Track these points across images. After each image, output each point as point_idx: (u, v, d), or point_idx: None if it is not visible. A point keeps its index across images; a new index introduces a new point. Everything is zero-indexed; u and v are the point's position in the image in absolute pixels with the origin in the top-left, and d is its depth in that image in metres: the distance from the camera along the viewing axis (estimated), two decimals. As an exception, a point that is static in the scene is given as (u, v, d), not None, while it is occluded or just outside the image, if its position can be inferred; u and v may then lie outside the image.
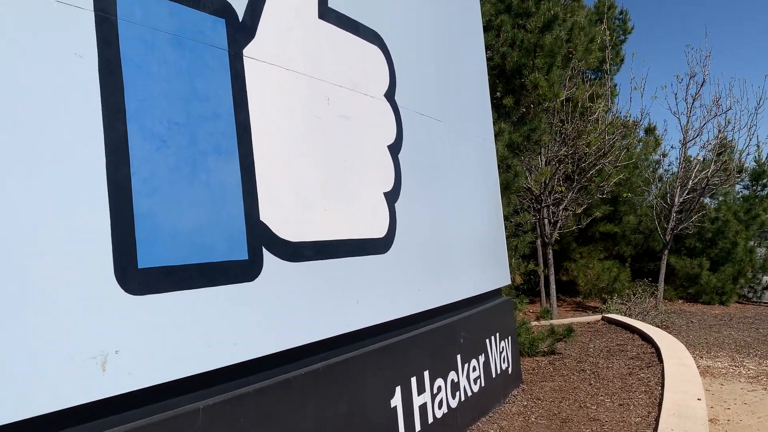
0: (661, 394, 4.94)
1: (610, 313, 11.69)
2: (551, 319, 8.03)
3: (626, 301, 12.71)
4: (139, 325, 2.08)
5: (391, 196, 3.73)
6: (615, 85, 18.80)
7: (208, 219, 2.41)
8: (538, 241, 14.12)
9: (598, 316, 10.11)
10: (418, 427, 3.67)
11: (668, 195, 16.06)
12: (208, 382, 2.36)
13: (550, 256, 11.59)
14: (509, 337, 5.53)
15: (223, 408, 2.35)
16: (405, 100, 4.01)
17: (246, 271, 2.58)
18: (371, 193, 3.54)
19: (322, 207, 3.10)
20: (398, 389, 3.51)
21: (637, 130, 18.14)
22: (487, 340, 4.93)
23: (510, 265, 11.11)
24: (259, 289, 2.64)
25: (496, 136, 8.06)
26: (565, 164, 11.18)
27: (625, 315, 11.50)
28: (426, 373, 3.84)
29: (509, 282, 5.80)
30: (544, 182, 10.94)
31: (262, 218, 2.70)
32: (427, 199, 4.16)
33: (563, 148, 10.86)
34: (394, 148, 3.83)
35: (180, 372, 2.21)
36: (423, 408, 3.75)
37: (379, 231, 3.57)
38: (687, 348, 8.17)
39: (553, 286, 11.69)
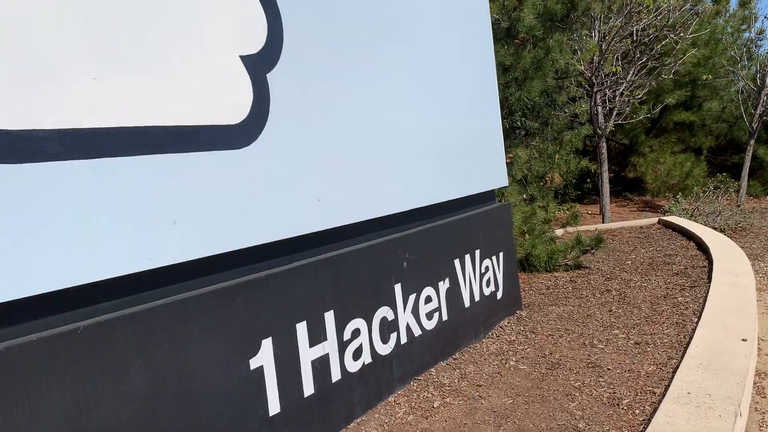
0: (694, 330, 3.66)
1: (674, 214, 10.10)
2: (576, 225, 6.69)
3: (695, 199, 10.99)
4: None
5: (260, 62, 2.51)
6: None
7: None
8: (606, 132, 12.40)
9: (656, 219, 8.61)
10: (310, 389, 2.62)
11: (758, 76, 13.71)
12: None
13: (604, 151, 9.97)
14: (499, 254, 4.32)
15: None
16: None
17: None
18: (214, 54, 2.33)
19: (87, 73, 1.93)
20: (267, 342, 2.44)
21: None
22: (457, 261, 3.74)
23: (552, 161, 9.66)
24: None
25: (519, 1, 6.48)
26: (621, 38, 9.30)
27: (691, 217, 9.90)
28: (328, 315, 2.74)
29: (503, 183, 4.51)
30: (595, 62, 9.17)
31: None
32: (339, 71, 2.90)
33: (619, 18, 8.95)
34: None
35: None
36: (321, 362, 2.69)
37: (230, 114, 2.38)
38: (756, 259, 6.72)
39: (605, 185, 10.15)
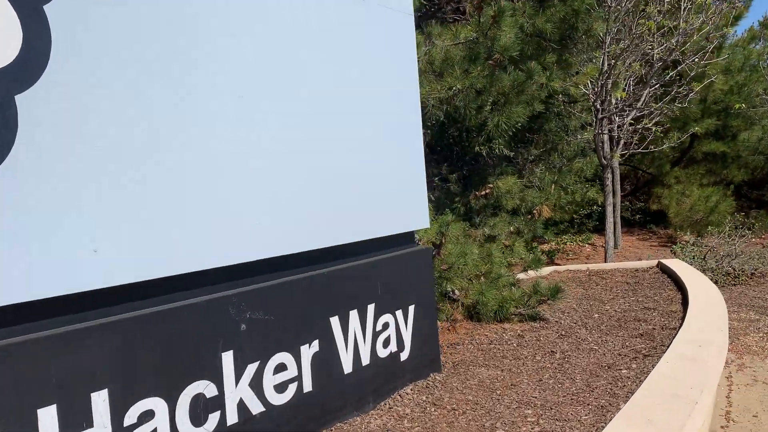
0: (611, 419, 2.98)
1: (685, 255, 9.23)
2: (537, 269, 5.94)
3: (715, 237, 10.04)
4: None
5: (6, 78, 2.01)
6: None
7: None
8: (613, 163, 11.58)
9: (656, 261, 7.79)
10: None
11: (797, 106, 12.65)
12: None
13: (609, 182, 9.18)
14: (408, 307, 3.71)
15: None
16: None
17: None
18: None
19: None
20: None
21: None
22: (335, 318, 3.16)
23: (548, 192, 8.93)
24: None
25: (494, 18, 5.90)
26: (632, 61, 8.54)
27: (704, 259, 9.02)
28: (97, 395, 2.20)
29: (422, 225, 3.90)
30: (598, 86, 8.43)
31: None
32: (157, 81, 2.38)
33: (626, 41, 8.20)
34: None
35: None
36: (82, 455, 2.15)
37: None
38: (765, 314, 5.95)
39: (609, 219, 9.35)
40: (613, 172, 11.72)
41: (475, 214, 8.29)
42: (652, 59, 8.45)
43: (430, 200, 7.63)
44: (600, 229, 14.04)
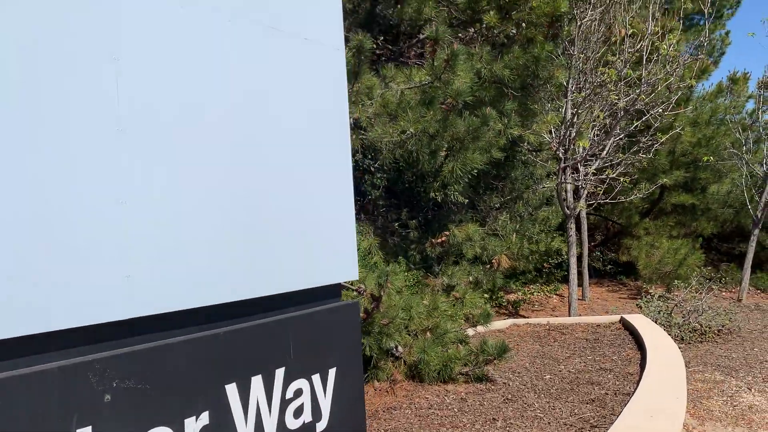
0: None
1: (648, 311, 8.94)
2: (486, 324, 5.56)
3: (685, 290, 9.79)
4: None
5: None
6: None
7: None
8: (580, 213, 11.40)
9: (619, 317, 7.48)
10: None
11: (765, 161, 12.61)
12: None
13: (572, 233, 8.93)
14: (328, 370, 3.32)
15: None
16: None
17: None
18: None
19: None
20: None
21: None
22: (231, 386, 2.76)
23: (509, 240, 8.65)
24: None
25: (447, 62, 5.70)
26: (595, 110, 8.39)
27: (670, 314, 8.73)
28: None
29: (350, 277, 3.54)
30: (561, 135, 8.25)
31: None
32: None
33: (586, 90, 8.06)
34: None
35: None
36: None
37: None
38: (729, 375, 5.63)
39: (573, 271, 9.06)
40: (580, 223, 11.53)
41: (435, 262, 7.97)
42: (617, 108, 8.32)
43: (383, 247, 7.31)
44: (566, 279, 13.82)
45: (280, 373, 3.06)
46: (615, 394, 4.34)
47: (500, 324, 7.61)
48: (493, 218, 9.34)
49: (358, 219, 7.61)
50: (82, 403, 2.26)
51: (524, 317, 9.39)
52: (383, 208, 7.92)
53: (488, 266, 7.36)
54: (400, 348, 4.88)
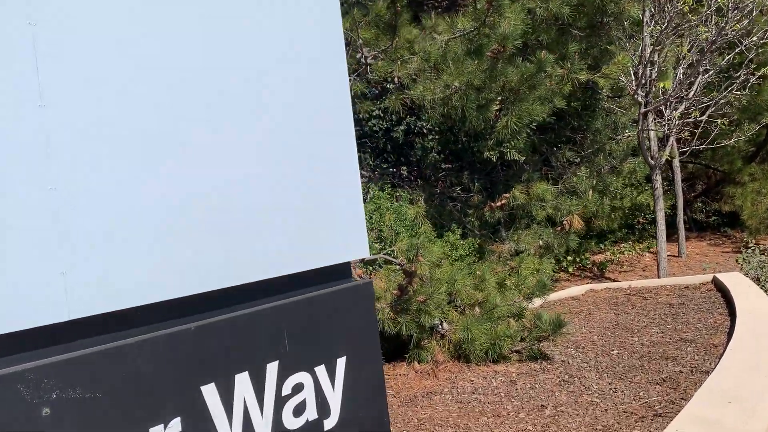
0: None
1: (751, 265, 7.93)
2: (544, 296, 4.85)
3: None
4: None
5: None
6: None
7: None
8: (671, 162, 10.33)
9: (712, 275, 6.64)
10: None
11: None
12: None
13: (658, 185, 8.02)
14: (335, 361, 2.94)
15: None
16: None
17: None
18: None
19: None
20: None
21: None
22: (209, 387, 2.46)
23: (585, 198, 7.90)
24: None
25: (490, 3, 5.11)
26: (671, 45, 7.41)
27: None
28: None
29: (360, 255, 3.13)
30: (640, 76, 7.35)
31: None
32: None
33: (665, 22, 7.07)
34: None
35: None
36: None
37: None
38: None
39: (661, 228, 8.18)
40: (673, 172, 10.50)
41: (503, 226, 7.41)
42: (702, 41, 7.30)
43: (440, 215, 6.83)
44: (670, 235, 12.70)
45: (272, 368, 2.72)
46: (692, 371, 3.71)
47: (576, 290, 6.98)
48: (570, 174, 8.59)
49: (413, 185, 7.15)
50: (12, 420, 1.99)
51: (609, 280, 8.67)
52: (442, 172, 7.41)
53: (559, 228, 6.71)
54: (445, 325, 4.45)
